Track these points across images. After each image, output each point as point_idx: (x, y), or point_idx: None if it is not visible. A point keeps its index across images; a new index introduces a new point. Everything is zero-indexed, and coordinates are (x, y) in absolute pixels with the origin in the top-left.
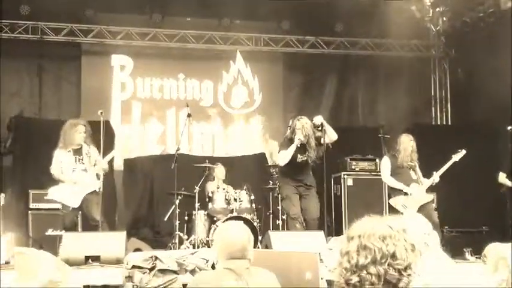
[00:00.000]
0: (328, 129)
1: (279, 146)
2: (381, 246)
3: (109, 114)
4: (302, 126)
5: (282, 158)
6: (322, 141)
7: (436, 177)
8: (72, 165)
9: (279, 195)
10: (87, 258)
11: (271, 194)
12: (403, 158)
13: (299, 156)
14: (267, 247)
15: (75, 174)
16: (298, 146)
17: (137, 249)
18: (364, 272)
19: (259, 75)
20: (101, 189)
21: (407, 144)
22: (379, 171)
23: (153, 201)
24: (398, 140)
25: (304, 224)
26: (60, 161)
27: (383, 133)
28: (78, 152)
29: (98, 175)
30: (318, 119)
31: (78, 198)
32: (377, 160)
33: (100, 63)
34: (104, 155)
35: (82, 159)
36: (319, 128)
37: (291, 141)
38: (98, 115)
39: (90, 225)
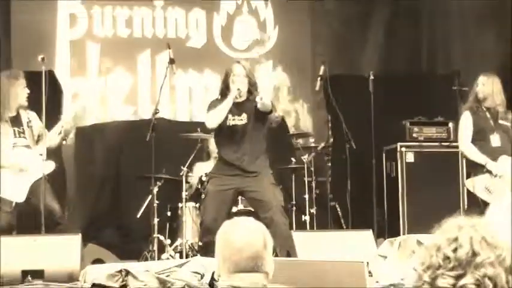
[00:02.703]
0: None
1: (208, 107)
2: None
3: (53, 61)
4: (241, 73)
5: (210, 118)
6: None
7: None
8: (10, 141)
9: None
10: (25, 273)
11: (293, 176)
12: (485, 109)
13: (231, 118)
14: (289, 254)
15: (16, 154)
16: (237, 98)
17: (98, 260)
18: (482, 271)
19: (275, 0)
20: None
21: (489, 87)
22: (454, 141)
23: (119, 189)
24: (475, 83)
25: None
26: None
27: (459, 84)
28: (16, 121)
29: (42, 154)
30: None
31: (24, 190)
32: (450, 124)
33: None
34: (49, 122)
35: (23, 132)
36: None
37: (223, 96)
38: (36, 63)
39: (33, 225)
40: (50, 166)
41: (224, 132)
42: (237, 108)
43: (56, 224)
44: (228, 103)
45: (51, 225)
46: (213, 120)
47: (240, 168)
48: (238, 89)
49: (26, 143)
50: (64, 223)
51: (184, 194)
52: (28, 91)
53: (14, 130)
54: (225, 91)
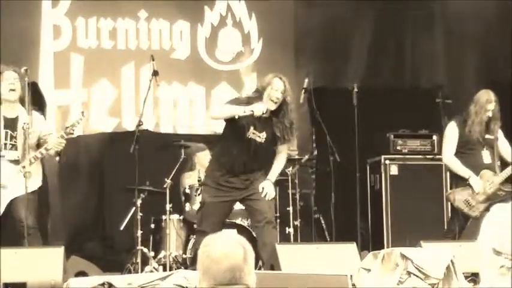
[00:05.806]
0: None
1: (230, 100)
2: None
3: (36, 72)
4: (280, 88)
5: (219, 110)
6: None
7: None
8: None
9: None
10: (6, 286)
11: (278, 189)
12: (472, 125)
13: (252, 131)
14: (272, 267)
15: (1, 169)
16: (263, 114)
17: (81, 273)
18: None
19: (259, 12)
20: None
21: (483, 103)
22: (438, 153)
23: (102, 201)
24: (475, 97)
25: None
26: None
27: (442, 97)
28: (11, 123)
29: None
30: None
31: (3, 203)
32: (434, 137)
33: None
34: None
35: (15, 137)
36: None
37: (251, 100)
38: (20, 74)
39: (14, 235)
40: (35, 184)
41: (239, 142)
42: (260, 123)
43: (24, 236)
44: (243, 111)
45: (16, 237)
46: (219, 113)
47: (243, 178)
48: (272, 100)
49: (14, 157)
50: (32, 234)
51: (168, 206)
52: (19, 88)
53: (7, 133)
54: (255, 100)
